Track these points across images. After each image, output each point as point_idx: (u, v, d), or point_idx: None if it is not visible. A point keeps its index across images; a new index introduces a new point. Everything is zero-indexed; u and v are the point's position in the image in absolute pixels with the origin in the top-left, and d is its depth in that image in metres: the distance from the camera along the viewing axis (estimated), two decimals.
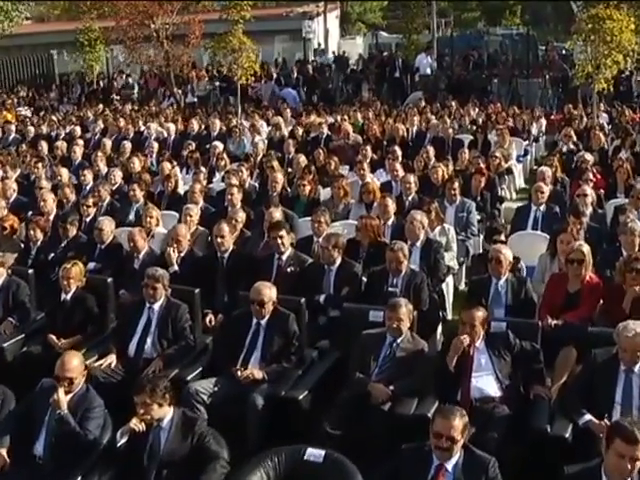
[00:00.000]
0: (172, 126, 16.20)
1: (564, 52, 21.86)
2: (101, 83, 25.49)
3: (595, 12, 13.83)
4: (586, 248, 6.40)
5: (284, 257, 7.32)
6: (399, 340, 5.68)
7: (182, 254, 7.64)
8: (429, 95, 18.96)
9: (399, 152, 12.32)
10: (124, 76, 25.35)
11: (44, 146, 14.95)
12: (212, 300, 7.28)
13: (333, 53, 27.51)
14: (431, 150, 12.13)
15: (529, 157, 14.44)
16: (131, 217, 9.89)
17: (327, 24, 30.78)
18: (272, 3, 34.83)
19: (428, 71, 20.67)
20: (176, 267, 7.53)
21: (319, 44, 29.54)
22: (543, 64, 20.51)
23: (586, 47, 13.93)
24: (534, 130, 15.27)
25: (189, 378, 5.96)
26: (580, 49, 14.72)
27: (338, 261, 7.06)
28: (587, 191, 8.82)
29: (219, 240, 7.38)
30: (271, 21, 28.44)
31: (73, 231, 8.35)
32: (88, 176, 11.48)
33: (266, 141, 15.19)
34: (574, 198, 8.96)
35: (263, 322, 6.08)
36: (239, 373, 5.86)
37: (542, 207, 9.13)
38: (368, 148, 12.61)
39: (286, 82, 22.47)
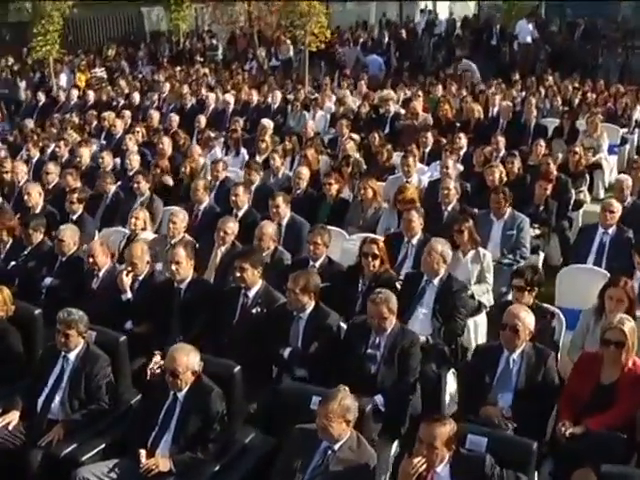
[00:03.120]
0: (230, 96, 14.91)
1: None
2: (187, 43, 24.47)
3: None
4: (629, 326, 4.59)
5: (250, 294, 5.89)
6: (336, 447, 4.15)
7: (141, 277, 6.35)
8: (527, 67, 16.66)
9: (464, 141, 10.51)
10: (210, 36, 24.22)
11: (92, 117, 14.04)
12: (165, 338, 5.98)
13: (435, 14, 25.18)
14: (501, 141, 10.20)
15: (628, 146, 12.12)
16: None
17: None
18: None
19: (529, 39, 18.22)
20: (129, 294, 6.27)
21: (426, 5, 27.23)
22: None
23: None
24: (637, 114, 12.84)
25: (85, 458, 4.71)
26: None
27: (310, 307, 5.55)
28: None
29: (173, 267, 6.01)
30: None
31: (37, 237, 7.20)
32: (107, 158, 10.35)
33: (328, 117, 13.66)
34: None
35: (180, 396, 4.72)
36: (142, 460, 4.56)
37: (611, 230, 7.21)
38: (429, 135, 10.84)
39: (374, 47, 20.57)
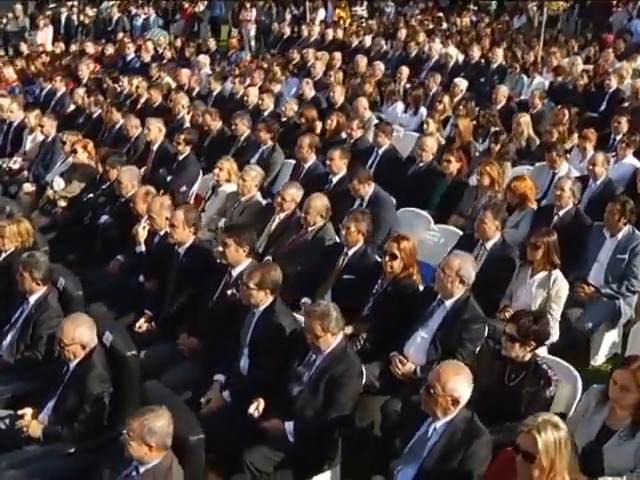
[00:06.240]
0: (453, 50, 13.81)
1: None
2: None
3: None
4: (551, 437, 3.26)
5: (234, 273, 5.36)
6: (142, 470, 3.65)
7: (162, 233, 6.10)
8: None
9: None
10: None
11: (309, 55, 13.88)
12: (160, 298, 5.75)
13: None
14: None
15: None
16: (252, 161, 8.44)
17: None
18: None
19: None
20: (143, 247, 6.11)
21: None
22: None
23: None
24: None
25: None
26: None
27: (265, 304, 4.85)
28: None
29: (168, 229, 5.67)
30: None
31: (114, 174, 7.25)
32: (267, 101, 10.18)
33: (546, 84, 11.99)
34: None
35: (71, 367, 4.46)
36: (25, 417, 4.46)
37: None
38: (622, 119, 8.91)
39: None
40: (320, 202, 6.25)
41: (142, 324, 5.55)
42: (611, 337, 6.17)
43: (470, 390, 3.79)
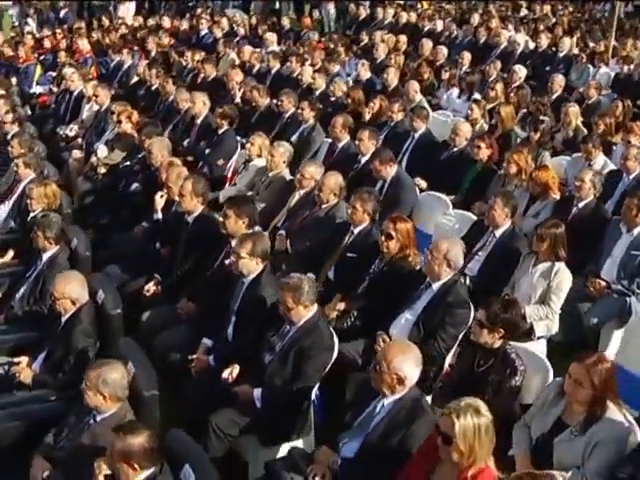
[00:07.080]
0: (521, 37, 13.53)
1: None
2: None
3: None
4: (470, 423, 3.27)
5: (233, 243, 5.52)
6: (99, 418, 3.88)
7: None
8: None
9: None
10: None
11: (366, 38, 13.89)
12: (170, 264, 5.99)
13: None
14: None
15: None
16: (293, 138, 8.60)
17: None
18: None
19: None
20: (160, 215, 6.35)
21: None
22: None
23: None
24: None
25: None
26: None
27: (255, 273, 5.01)
28: None
29: (177, 198, 5.89)
30: None
31: (148, 144, 7.54)
32: (318, 81, 10.30)
33: (612, 75, 11.61)
34: None
35: (63, 320, 4.75)
36: (20, 364, 4.81)
37: None
38: None
39: None
40: (334, 180, 6.34)
41: (150, 288, 5.80)
42: (620, 334, 6.02)
43: (418, 370, 3.84)
